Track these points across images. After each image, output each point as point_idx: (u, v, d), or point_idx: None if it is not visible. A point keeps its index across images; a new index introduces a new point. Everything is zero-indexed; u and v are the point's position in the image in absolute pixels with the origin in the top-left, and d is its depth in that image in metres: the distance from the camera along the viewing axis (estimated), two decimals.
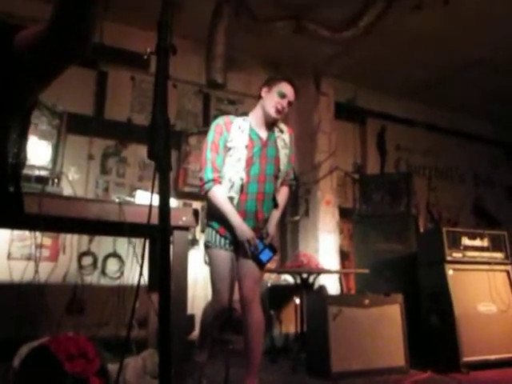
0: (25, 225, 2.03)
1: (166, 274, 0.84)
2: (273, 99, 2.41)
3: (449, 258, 3.63)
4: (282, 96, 2.41)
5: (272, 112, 2.41)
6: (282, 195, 2.57)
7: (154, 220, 1.05)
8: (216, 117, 5.28)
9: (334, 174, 5.42)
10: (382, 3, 4.05)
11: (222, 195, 2.35)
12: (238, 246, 2.41)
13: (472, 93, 6.07)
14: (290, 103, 2.45)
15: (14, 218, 0.93)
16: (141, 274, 1.14)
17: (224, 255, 2.42)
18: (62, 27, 0.81)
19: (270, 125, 2.50)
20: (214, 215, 2.43)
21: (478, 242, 3.80)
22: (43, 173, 2.71)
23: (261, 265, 2.41)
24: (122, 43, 4.59)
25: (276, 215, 2.52)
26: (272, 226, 2.48)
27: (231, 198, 2.37)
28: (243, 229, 2.32)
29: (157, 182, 0.96)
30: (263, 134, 2.48)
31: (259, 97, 2.52)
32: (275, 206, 2.52)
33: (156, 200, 0.96)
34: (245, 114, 2.60)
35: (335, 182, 5.46)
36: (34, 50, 0.84)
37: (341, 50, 4.89)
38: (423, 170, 6.57)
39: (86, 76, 4.53)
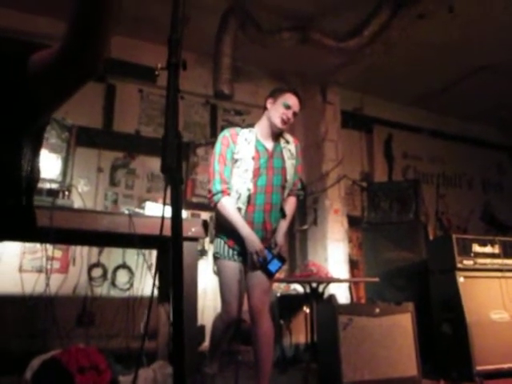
0: (36, 237, 2.05)
1: (179, 286, 0.85)
2: (278, 110, 2.43)
3: (459, 266, 3.60)
4: (287, 107, 2.43)
5: (277, 122, 2.43)
6: (290, 205, 2.57)
7: (166, 231, 1.07)
8: (223, 127, 5.33)
9: (341, 183, 5.42)
10: (386, 12, 4.07)
11: (230, 206, 2.37)
12: (246, 256, 2.41)
13: (478, 99, 6.05)
14: (295, 114, 2.47)
15: (26, 231, 0.94)
16: (154, 285, 1.14)
17: (233, 266, 2.43)
18: (75, 45, 0.82)
19: (276, 136, 2.52)
20: (223, 226, 2.45)
21: (488, 249, 3.77)
22: (53, 186, 2.74)
23: (270, 275, 2.41)
24: (130, 56, 4.65)
25: (284, 225, 2.52)
26: (280, 236, 2.49)
27: (238, 209, 2.38)
28: (252, 239, 2.33)
29: (168, 194, 0.98)
30: (269, 145, 2.50)
31: (265, 108, 2.54)
32: (283, 216, 2.53)
33: (167, 211, 0.97)
34: (251, 125, 2.61)
35: (343, 191, 5.46)
36: (47, 70, 0.86)
37: (346, 60, 4.91)
38: (431, 177, 6.54)
39: (95, 89, 4.59)
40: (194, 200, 4.82)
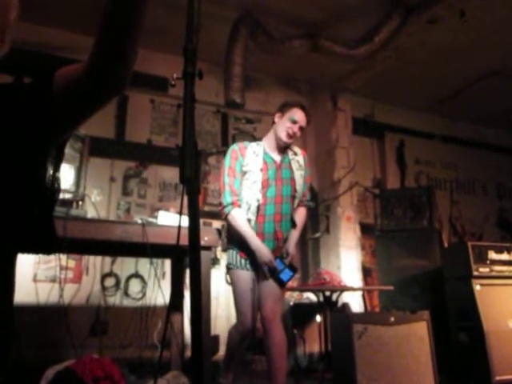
0: (56, 249, 2.06)
1: (197, 295, 0.84)
2: (285, 124, 2.48)
3: (475, 273, 3.54)
4: (294, 122, 2.48)
5: (283, 136, 2.48)
6: (300, 216, 2.60)
7: (179, 240, 1.06)
8: (234, 136, 5.34)
9: (353, 190, 5.38)
10: (397, 18, 4.06)
11: (241, 218, 2.41)
12: (257, 267, 2.44)
13: (491, 103, 5.99)
14: (301, 128, 2.52)
15: (47, 242, 0.94)
16: (171, 295, 1.14)
17: (246, 276, 2.45)
18: (103, 61, 0.82)
19: (283, 148, 2.57)
20: (235, 238, 2.48)
21: (505, 256, 3.71)
22: (67, 196, 2.76)
23: (281, 284, 2.43)
24: (141, 67, 4.67)
25: (295, 235, 2.55)
26: (291, 246, 2.51)
27: (248, 220, 2.43)
28: (262, 251, 2.36)
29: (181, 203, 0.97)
30: (277, 157, 2.55)
31: (273, 122, 2.59)
32: (293, 226, 2.56)
33: (178, 220, 0.97)
34: (259, 139, 2.68)
35: (355, 198, 5.42)
36: (73, 86, 0.86)
37: (357, 66, 4.91)
38: (444, 183, 6.47)
39: None
40: (206, 209, 4.83)
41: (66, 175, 2.87)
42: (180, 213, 0.92)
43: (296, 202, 2.57)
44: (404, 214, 4.66)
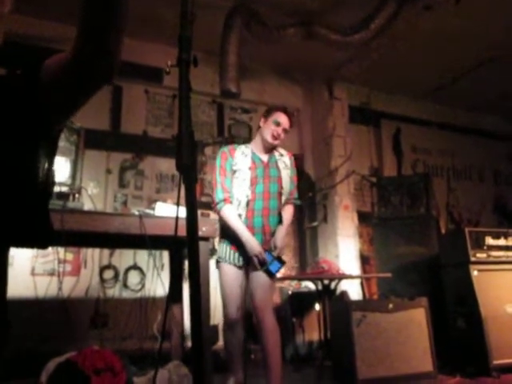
0: (52, 243, 2.06)
1: (196, 286, 0.83)
2: (269, 127, 2.66)
3: (473, 259, 3.56)
4: (277, 124, 2.65)
5: (268, 138, 2.65)
6: (287, 213, 2.75)
7: (177, 231, 1.05)
8: (231, 126, 5.33)
9: (350, 179, 5.38)
10: (392, 5, 4.02)
11: (232, 213, 2.56)
12: (247, 260, 2.57)
13: (487, 90, 5.97)
14: (285, 130, 2.68)
15: (45, 236, 0.94)
16: (170, 286, 1.14)
17: (233, 271, 2.58)
18: (86, 48, 0.81)
19: (269, 150, 2.75)
20: (227, 233, 2.62)
21: (502, 242, 3.73)
22: (63, 189, 2.75)
23: (271, 276, 2.55)
24: (135, 57, 4.63)
25: (282, 230, 2.68)
26: (279, 239, 2.63)
27: (239, 215, 2.58)
28: (252, 244, 2.50)
29: (178, 192, 0.96)
30: (264, 157, 2.73)
31: (258, 127, 2.79)
32: (280, 222, 2.70)
33: (176, 211, 0.96)
34: (247, 142, 2.89)
35: (352, 187, 5.42)
36: (61, 76, 0.85)
37: (353, 54, 4.88)
38: (441, 170, 6.48)
39: (102, 91, 4.57)
40: (204, 199, 4.82)
41: (62, 168, 2.86)
42: (177, 203, 0.91)
43: (283, 199, 2.71)
44: (401, 201, 4.67)
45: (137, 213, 2.39)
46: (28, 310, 3.54)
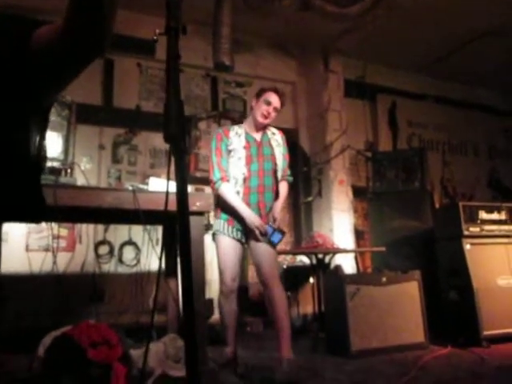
0: (45, 218, 2.04)
1: (187, 260, 0.82)
2: (260, 107, 2.75)
3: (466, 233, 3.59)
4: (268, 103, 2.74)
5: (259, 117, 2.74)
6: (282, 189, 2.85)
7: (170, 206, 1.04)
8: (225, 100, 5.27)
9: (345, 153, 5.36)
10: None
11: (230, 191, 2.66)
12: (247, 234, 2.68)
13: (484, 64, 5.91)
14: (275, 109, 2.76)
15: (37, 210, 0.92)
16: (161, 260, 1.13)
17: (230, 242, 2.68)
18: (77, 19, 0.78)
19: (261, 129, 2.84)
20: (224, 209, 2.72)
21: (495, 216, 3.75)
22: (55, 164, 2.71)
23: (273, 246, 2.65)
24: (127, 29, 4.52)
25: (278, 204, 2.78)
26: (277, 212, 2.73)
27: (237, 193, 2.68)
28: (252, 218, 2.62)
29: (172, 167, 0.94)
30: (257, 136, 2.82)
31: (250, 108, 2.88)
32: (276, 197, 2.80)
33: (167, 185, 0.94)
34: (240, 123, 3.01)
35: (347, 161, 5.40)
36: (51, 46, 0.83)
37: (349, 26, 4.79)
38: (436, 144, 6.47)
39: (92, 64, 4.47)
40: (198, 175, 4.79)
41: (54, 143, 2.81)
42: (168, 176, 0.90)
43: (278, 175, 2.80)
44: (396, 176, 4.67)
45: (130, 188, 2.37)
46: (23, 285, 3.55)
